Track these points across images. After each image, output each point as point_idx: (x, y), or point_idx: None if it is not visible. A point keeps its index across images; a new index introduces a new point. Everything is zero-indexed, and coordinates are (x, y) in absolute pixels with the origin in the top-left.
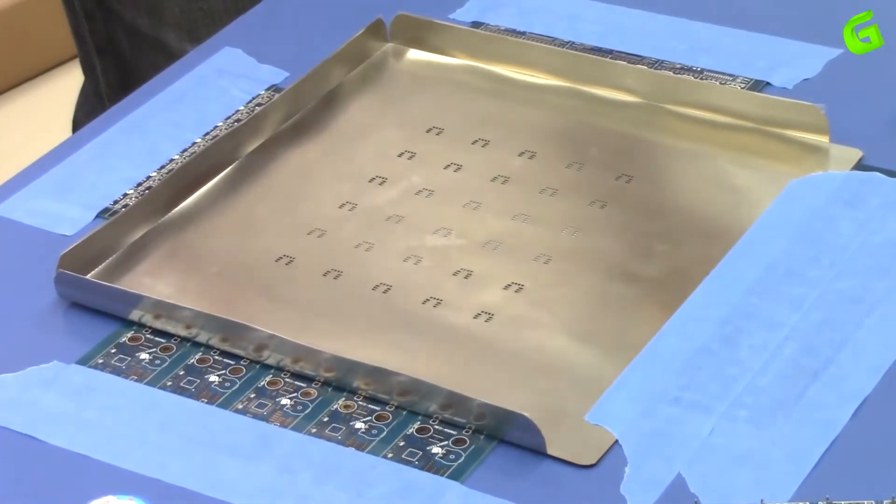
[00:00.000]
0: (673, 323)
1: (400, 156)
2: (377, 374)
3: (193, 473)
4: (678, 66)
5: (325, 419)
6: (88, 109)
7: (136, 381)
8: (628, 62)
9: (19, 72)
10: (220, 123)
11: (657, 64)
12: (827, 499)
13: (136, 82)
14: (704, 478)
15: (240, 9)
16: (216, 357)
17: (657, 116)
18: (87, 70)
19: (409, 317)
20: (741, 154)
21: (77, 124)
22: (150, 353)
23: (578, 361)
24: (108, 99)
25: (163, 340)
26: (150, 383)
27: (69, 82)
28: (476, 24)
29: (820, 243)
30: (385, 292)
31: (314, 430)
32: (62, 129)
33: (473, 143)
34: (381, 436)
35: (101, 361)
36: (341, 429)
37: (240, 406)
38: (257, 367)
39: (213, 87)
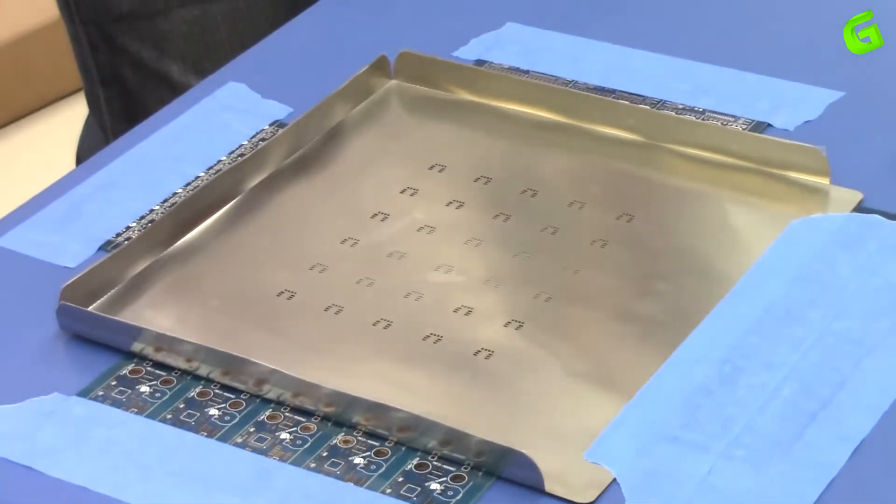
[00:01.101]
0: (672, 362)
1: (402, 192)
2: (377, 409)
3: None
4: (680, 106)
5: (325, 454)
6: (92, 142)
7: (137, 413)
8: (630, 102)
9: (24, 103)
10: (224, 158)
11: (659, 104)
12: None
13: (140, 115)
14: None
15: (244, 44)
16: (216, 390)
17: (659, 156)
18: (92, 102)
19: (409, 353)
20: (742, 194)
21: (81, 157)
22: (150, 386)
23: (577, 399)
24: (112, 131)
25: (163, 373)
26: (150, 416)
27: (74, 114)
28: (479, 63)
29: (819, 285)
30: (386, 328)
31: (313, 465)
32: (66, 161)
33: (475, 180)
34: (380, 471)
35: (101, 393)
36: (340, 464)
37: (239, 440)
38: (257, 401)
39: (216, 122)
